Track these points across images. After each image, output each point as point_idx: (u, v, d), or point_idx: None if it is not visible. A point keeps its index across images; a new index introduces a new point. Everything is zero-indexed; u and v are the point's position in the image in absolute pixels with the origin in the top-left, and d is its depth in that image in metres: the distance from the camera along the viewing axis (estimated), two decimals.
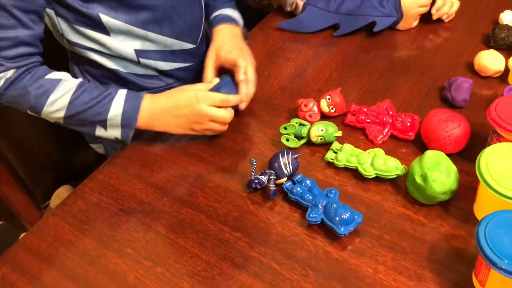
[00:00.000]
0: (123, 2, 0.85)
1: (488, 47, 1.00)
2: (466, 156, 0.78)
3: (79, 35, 0.88)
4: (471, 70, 0.95)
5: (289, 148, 0.81)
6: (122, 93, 0.83)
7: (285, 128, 0.83)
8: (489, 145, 0.76)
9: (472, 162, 0.77)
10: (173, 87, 1.00)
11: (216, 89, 0.84)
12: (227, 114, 0.84)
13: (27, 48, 0.80)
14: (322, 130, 0.81)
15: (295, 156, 0.77)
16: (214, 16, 1.01)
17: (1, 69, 0.79)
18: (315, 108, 0.87)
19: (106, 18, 0.85)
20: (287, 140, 0.82)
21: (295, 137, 0.83)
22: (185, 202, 0.77)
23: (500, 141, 0.73)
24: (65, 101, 0.81)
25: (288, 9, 1.14)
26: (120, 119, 0.82)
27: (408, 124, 0.82)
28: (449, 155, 0.73)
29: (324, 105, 0.86)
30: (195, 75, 1.04)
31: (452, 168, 0.70)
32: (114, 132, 0.84)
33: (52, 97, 0.81)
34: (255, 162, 0.75)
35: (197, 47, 1.00)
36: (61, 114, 0.82)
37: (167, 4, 0.90)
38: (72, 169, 1.22)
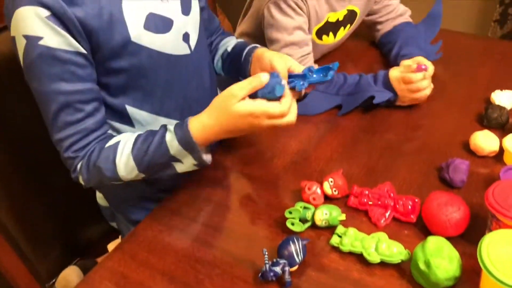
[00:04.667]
0: (149, 93, 0.89)
1: (482, 126, 1.04)
2: (467, 238, 0.80)
3: None
4: (467, 149, 0.99)
5: (294, 232, 0.83)
6: (170, 128, 0.83)
7: (290, 212, 0.85)
8: (489, 229, 0.78)
9: (473, 244, 0.78)
10: None
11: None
12: (272, 105, 0.79)
13: (95, 133, 0.85)
14: (326, 214, 0.83)
15: (305, 242, 0.78)
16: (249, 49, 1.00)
17: (76, 162, 0.85)
18: (318, 191, 0.89)
19: (132, 110, 0.89)
20: (292, 224, 0.84)
21: (300, 220, 0.85)
22: None
23: (499, 226, 0.75)
24: (130, 161, 0.83)
25: None
26: (182, 149, 0.82)
27: (410, 207, 0.85)
28: (450, 237, 0.75)
29: (327, 187, 0.89)
30: None
31: (455, 254, 0.72)
32: (190, 161, 0.84)
33: (118, 162, 0.83)
34: (267, 252, 0.75)
35: None
36: (138, 172, 0.85)
37: (188, 97, 0.94)
38: (78, 244, 1.22)
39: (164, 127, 0.84)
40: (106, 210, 1.12)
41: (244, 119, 0.79)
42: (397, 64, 1.15)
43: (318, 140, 1.07)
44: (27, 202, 1.08)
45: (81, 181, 0.88)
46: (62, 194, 1.12)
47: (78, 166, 0.86)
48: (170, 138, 0.82)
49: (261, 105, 0.79)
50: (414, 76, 1.07)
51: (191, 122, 0.82)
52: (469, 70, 1.21)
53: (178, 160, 0.84)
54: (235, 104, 0.78)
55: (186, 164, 0.85)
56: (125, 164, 0.84)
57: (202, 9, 1.00)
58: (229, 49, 1.07)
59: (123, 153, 0.84)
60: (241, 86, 0.79)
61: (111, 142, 0.85)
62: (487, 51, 1.33)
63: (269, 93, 0.81)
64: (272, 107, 0.79)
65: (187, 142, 0.81)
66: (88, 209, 1.14)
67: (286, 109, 0.80)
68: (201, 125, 0.81)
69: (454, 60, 1.20)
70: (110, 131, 0.89)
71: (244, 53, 1.01)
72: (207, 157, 0.86)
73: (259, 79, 0.80)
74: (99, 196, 1.09)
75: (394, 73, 1.10)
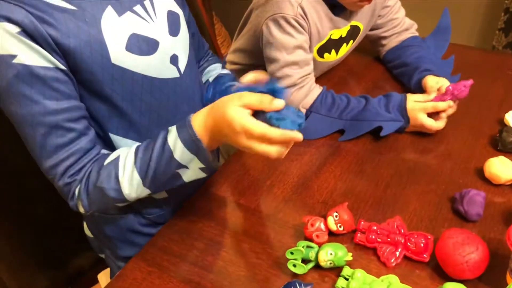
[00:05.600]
0: (134, 120, 0.82)
1: (497, 150, 0.97)
2: (486, 280, 0.73)
3: None
4: (482, 177, 0.92)
5: (296, 275, 0.76)
6: (172, 129, 0.76)
7: (292, 253, 0.78)
8: (511, 270, 0.71)
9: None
10: None
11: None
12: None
13: (91, 153, 0.78)
14: (331, 254, 0.76)
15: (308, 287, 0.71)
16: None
17: (73, 187, 0.77)
18: (322, 226, 0.82)
19: (115, 137, 0.82)
20: (294, 265, 0.77)
21: (302, 261, 0.78)
22: None
23: None
24: (135, 174, 0.76)
25: None
26: (188, 151, 0.74)
27: (422, 245, 0.77)
28: (467, 280, 0.68)
29: (332, 223, 0.82)
30: None
31: None
32: (196, 165, 0.76)
33: (121, 178, 0.76)
34: None
35: None
36: (143, 188, 0.77)
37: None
38: (67, 274, 1.15)
39: (166, 130, 0.77)
40: (93, 242, 1.04)
41: (234, 131, 0.71)
42: (412, 78, 1.14)
43: (320, 166, 1.00)
44: (10, 231, 1.01)
45: (80, 208, 0.79)
46: (49, 222, 1.06)
47: (76, 191, 0.78)
48: (173, 139, 0.75)
49: (258, 127, 0.69)
50: (441, 104, 1.02)
51: (194, 119, 0.75)
52: (480, 88, 1.14)
53: (184, 166, 0.76)
54: (235, 106, 0.70)
55: (192, 170, 0.77)
56: (129, 180, 0.76)
57: (192, 35, 0.94)
58: (210, 79, 0.99)
59: (126, 168, 0.76)
60: (251, 97, 0.71)
61: (110, 158, 0.78)
62: (498, 67, 1.26)
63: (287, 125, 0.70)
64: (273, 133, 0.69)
65: (191, 141, 0.73)
66: (77, 238, 1.07)
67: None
68: (203, 122, 0.74)
69: (462, 77, 1.12)
70: (104, 150, 0.82)
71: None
72: (214, 161, 0.78)
73: (270, 101, 0.70)
74: (86, 227, 1.02)
75: (415, 104, 1.03)
